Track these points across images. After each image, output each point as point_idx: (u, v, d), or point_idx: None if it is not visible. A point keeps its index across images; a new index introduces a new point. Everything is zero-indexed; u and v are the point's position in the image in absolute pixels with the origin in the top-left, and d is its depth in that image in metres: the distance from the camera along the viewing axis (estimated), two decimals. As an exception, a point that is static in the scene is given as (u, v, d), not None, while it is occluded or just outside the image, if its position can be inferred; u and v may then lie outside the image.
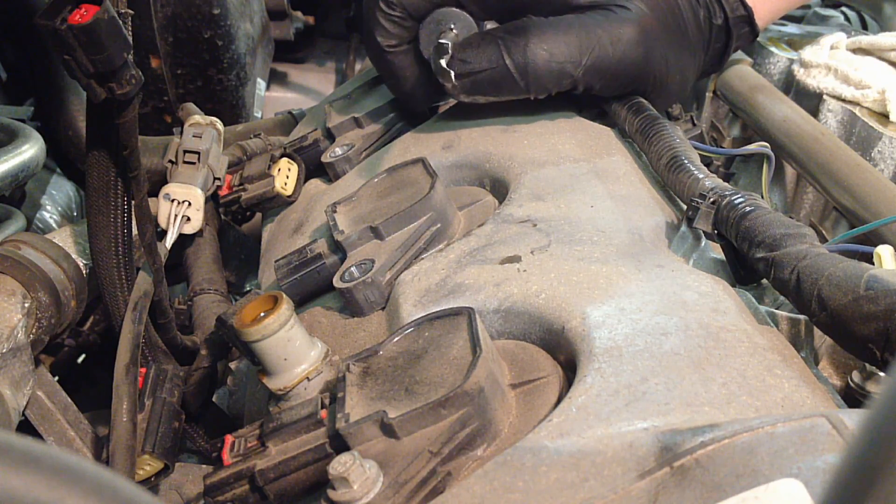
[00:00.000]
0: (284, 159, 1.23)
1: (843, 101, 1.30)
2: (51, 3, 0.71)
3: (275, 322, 0.73)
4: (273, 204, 1.21)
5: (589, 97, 1.18)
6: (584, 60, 1.07)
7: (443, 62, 1.08)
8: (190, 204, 1.12)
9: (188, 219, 1.12)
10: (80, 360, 1.19)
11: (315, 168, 1.26)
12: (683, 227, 0.91)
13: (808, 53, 1.40)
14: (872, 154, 1.22)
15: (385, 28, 1.12)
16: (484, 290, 0.80)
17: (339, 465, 0.60)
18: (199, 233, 1.16)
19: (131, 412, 0.84)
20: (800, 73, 1.40)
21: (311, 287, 0.95)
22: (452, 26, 1.11)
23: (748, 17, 1.21)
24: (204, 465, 0.97)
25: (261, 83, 2.18)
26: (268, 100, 2.28)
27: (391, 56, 1.14)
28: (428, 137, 1.16)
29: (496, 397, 0.66)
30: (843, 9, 1.81)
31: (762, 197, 0.96)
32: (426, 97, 1.21)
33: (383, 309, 0.87)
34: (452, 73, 1.08)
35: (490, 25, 1.16)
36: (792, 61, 1.47)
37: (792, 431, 0.53)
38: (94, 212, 0.85)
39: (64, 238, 1.00)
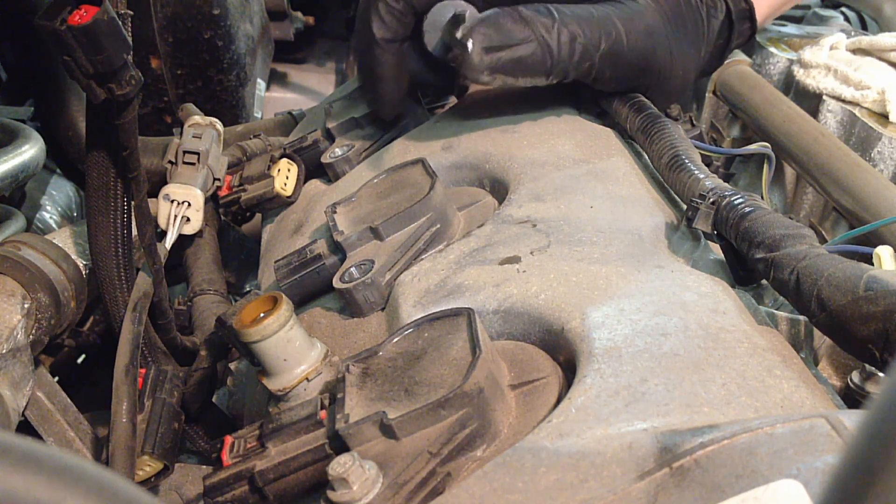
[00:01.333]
0: (284, 160, 1.23)
1: (843, 101, 1.30)
2: (50, 4, 0.71)
3: (274, 323, 0.73)
4: (273, 204, 1.21)
5: (588, 95, 1.18)
6: (602, 45, 1.07)
7: (459, 33, 1.03)
8: (189, 204, 1.12)
9: (188, 219, 1.12)
10: (79, 360, 1.19)
11: (315, 168, 1.26)
12: (683, 228, 0.91)
13: (807, 54, 1.40)
14: (872, 154, 1.22)
15: (384, 20, 1.10)
16: (483, 291, 0.80)
17: (339, 465, 0.60)
18: (199, 233, 1.16)
19: (131, 413, 0.84)
20: (799, 73, 1.40)
21: (311, 288, 0.95)
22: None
23: (749, 12, 1.21)
24: (204, 466, 0.97)
25: (261, 83, 2.18)
26: (268, 100, 2.28)
27: (380, 51, 1.12)
28: (428, 138, 1.16)
29: (496, 398, 0.66)
30: (843, 9, 1.81)
31: (762, 197, 0.96)
32: (396, 103, 1.19)
33: (383, 310, 0.87)
34: (470, 43, 1.03)
35: None
36: (792, 62, 1.47)
37: (791, 432, 0.53)
38: (93, 212, 0.85)
39: (64, 239, 1.00)
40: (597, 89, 1.16)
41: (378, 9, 1.10)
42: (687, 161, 0.98)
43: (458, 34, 1.03)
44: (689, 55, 1.18)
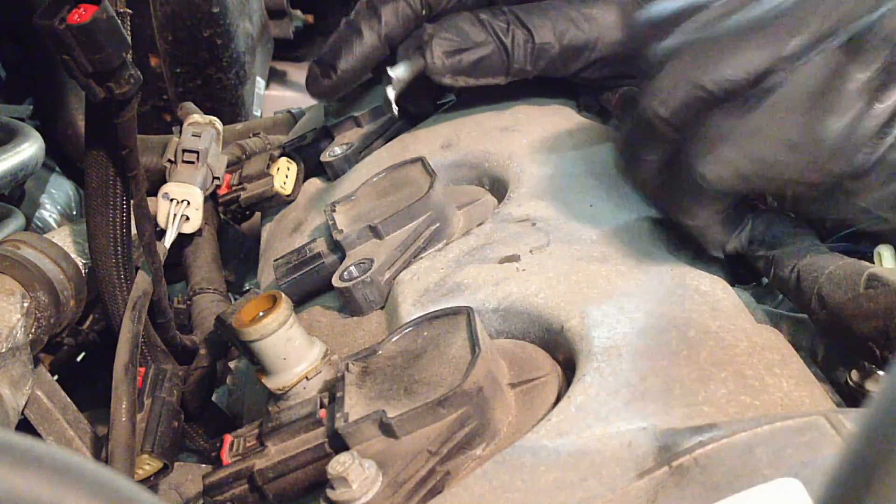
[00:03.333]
0: (283, 158, 1.23)
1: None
2: (49, 3, 0.71)
3: (273, 322, 0.73)
4: (272, 203, 1.21)
5: (588, 93, 1.18)
6: (560, 39, 1.08)
7: (389, 93, 1.06)
8: (189, 203, 1.12)
9: (187, 218, 1.12)
10: (79, 359, 1.19)
11: (314, 167, 1.26)
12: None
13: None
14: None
15: (397, 13, 1.08)
16: (483, 290, 0.80)
17: (338, 464, 0.60)
18: (199, 232, 1.16)
19: (130, 412, 0.84)
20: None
21: (310, 286, 0.95)
22: None
23: None
24: (203, 465, 0.97)
25: (260, 82, 2.18)
26: (267, 98, 2.28)
27: (373, 38, 1.09)
28: (427, 136, 1.16)
29: (495, 396, 0.66)
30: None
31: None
32: (340, 89, 1.14)
33: (382, 308, 0.87)
34: (395, 109, 1.08)
35: None
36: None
37: (791, 431, 0.53)
38: (92, 211, 0.85)
39: (63, 237, 1.00)
40: (597, 85, 1.16)
41: (396, 1, 1.08)
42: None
43: (423, 38, 1.06)
44: None
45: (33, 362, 0.85)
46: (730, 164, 0.71)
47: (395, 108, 1.08)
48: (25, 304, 0.85)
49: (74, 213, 1.49)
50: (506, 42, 1.07)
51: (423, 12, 1.09)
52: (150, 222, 0.91)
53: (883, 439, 0.29)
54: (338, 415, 0.66)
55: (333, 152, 1.21)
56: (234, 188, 1.22)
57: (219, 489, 0.71)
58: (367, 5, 1.11)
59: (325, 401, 0.72)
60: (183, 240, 1.19)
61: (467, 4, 1.11)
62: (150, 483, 0.88)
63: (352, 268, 0.88)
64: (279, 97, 2.43)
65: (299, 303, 0.95)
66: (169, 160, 1.15)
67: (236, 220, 1.33)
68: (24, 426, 0.87)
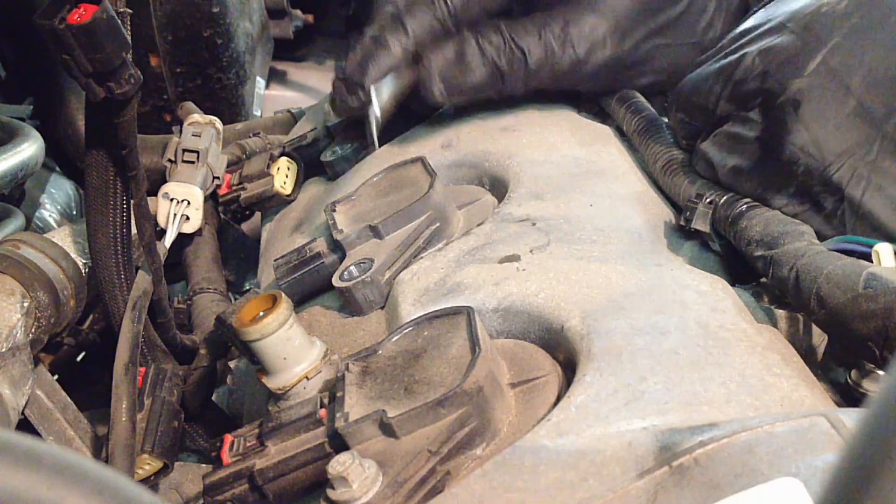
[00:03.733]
0: (284, 158, 1.23)
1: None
2: (50, 3, 0.71)
3: (274, 321, 0.73)
4: (272, 203, 1.21)
5: (588, 94, 1.18)
6: (551, 59, 1.09)
7: (372, 129, 1.10)
8: (189, 203, 1.12)
9: (187, 218, 1.12)
10: (79, 358, 1.19)
11: (314, 167, 1.26)
12: (682, 227, 0.91)
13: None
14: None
15: (421, 28, 1.09)
16: (483, 290, 0.80)
17: (339, 464, 0.60)
18: (199, 232, 1.16)
19: (131, 411, 0.84)
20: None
21: (311, 286, 0.95)
22: None
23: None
24: (203, 465, 0.97)
25: (260, 82, 2.18)
26: (267, 98, 2.28)
27: (400, 52, 1.08)
28: (427, 136, 1.16)
29: (495, 396, 0.66)
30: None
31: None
32: (360, 104, 1.13)
33: (382, 308, 0.87)
34: (377, 143, 1.12)
35: None
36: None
37: (791, 431, 0.53)
38: (93, 211, 0.85)
39: (63, 237, 1.00)
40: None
41: (423, 13, 1.08)
42: (683, 165, 0.98)
43: (422, 63, 1.09)
44: (682, 47, 1.16)
45: (33, 362, 0.85)
46: None
47: (377, 145, 1.13)
48: (25, 304, 0.85)
49: (74, 213, 1.49)
50: (500, 66, 1.08)
51: (451, 23, 1.09)
52: (150, 222, 0.91)
53: (883, 439, 0.29)
54: (338, 414, 0.66)
55: (334, 152, 1.21)
56: (234, 188, 1.22)
57: (219, 489, 0.71)
58: (393, 18, 1.10)
59: (325, 400, 0.72)
60: (183, 240, 1.19)
61: (492, 12, 1.11)
62: (150, 483, 0.88)
63: (352, 268, 0.88)
64: (279, 97, 2.43)
65: (299, 302, 0.95)
66: (169, 160, 1.15)
67: (236, 220, 1.33)
68: (24, 426, 0.87)
